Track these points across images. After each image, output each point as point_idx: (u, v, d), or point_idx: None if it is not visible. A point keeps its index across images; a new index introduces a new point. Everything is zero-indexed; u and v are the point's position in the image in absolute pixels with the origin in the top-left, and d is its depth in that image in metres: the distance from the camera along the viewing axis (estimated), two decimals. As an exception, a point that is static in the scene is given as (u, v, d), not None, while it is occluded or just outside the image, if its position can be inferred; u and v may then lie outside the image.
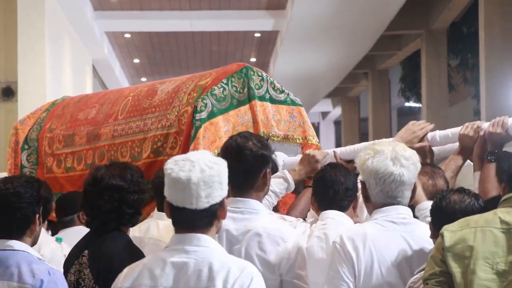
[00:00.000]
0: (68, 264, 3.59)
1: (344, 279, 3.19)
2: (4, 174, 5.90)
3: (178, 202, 2.89)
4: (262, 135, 4.99)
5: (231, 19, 16.57)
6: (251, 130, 5.02)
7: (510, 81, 12.86)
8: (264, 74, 5.31)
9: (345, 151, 4.81)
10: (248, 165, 3.47)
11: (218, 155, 3.67)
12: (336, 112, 31.66)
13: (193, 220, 2.90)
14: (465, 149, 4.18)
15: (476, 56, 14.63)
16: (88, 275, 3.45)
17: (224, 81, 5.11)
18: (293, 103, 5.35)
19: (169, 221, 4.25)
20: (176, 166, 2.90)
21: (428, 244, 3.27)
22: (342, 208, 4.01)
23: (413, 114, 23.74)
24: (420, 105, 19.64)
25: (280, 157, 4.98)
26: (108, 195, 3.47)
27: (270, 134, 5.11)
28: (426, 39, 17.59)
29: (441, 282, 2.88)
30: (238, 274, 2.80)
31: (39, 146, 6.11)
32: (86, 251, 3.52)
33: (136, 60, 20.73)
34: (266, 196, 3.99)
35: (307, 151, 4.67)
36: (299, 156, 5.04)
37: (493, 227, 2.89)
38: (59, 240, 5.01)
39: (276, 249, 3.36)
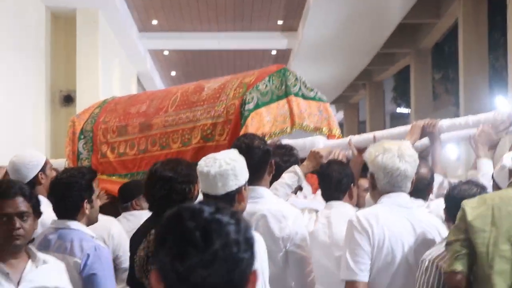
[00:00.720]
0: (135, 243, 3.51)
1: (363, 249, 3.12)
2: (64, 160, 6.16)
3: (203, 189, 3.07)
4: (297, 125, 5.06)
5: (252, 39, 16.50)
6: (288, 121, 5.05)
7: (483, 92, 12.89)
8: (298, 75, 5.28)
9: (381, 135, 4.68)
10: (258, 159, 3.48)
11: None
12: (339, 116, 31.25)
13: None
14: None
15: (456, 71, 14.62)
16: None
17: (266, 78, 5.06)
18: (321, 99, 5.34)
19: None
20: (204, 162, 3.05)
21: (425, 225, 3.26)
22: (340, 197, 3.94)
23: (403, 118, 23.48)
24: (409, 111, 19.47)
25: (320, 140, 4.92)
26: (160, 185, 3.39)
27: (303, 124, 5.10)
28: (414, 56, 17.55)
29: (465, 246, 2.86)
30: None
31: (94, 136, 6.04)
32: (153, 231, 3.38)
33: (173, 73, 20.53)
34: (281, 188, 4.01)
35: (313, 149, 4.49)
36: (339, 140, 5.00)
37: (507, 204, 2.87)
38: None
39: (279, 225, 3.38)
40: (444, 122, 4.41)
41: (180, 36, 16.33)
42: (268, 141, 4.58)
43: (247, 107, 4.86)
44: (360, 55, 17.11)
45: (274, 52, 17.89)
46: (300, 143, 4.79)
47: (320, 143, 4.86)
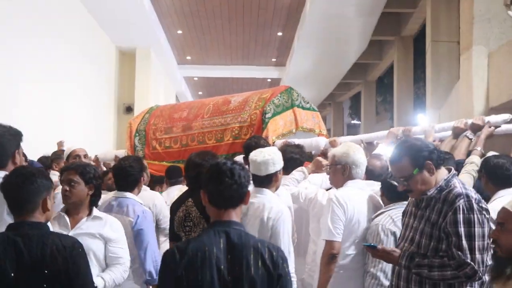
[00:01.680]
0: (176, 207, 3.32)
1: (340, 218, 2.97)
2: (124, 150, 6.02)
3: (252, 171, 2.92)
4: (299, 127, 4.87)
5: (254, 70, 16.54)
6: (294, 126, 4.86)
7: (410, 111, 12.87)
8: (299, 92, 5.07)
9: (367, 137, 4.32)
10: None
11: (244, 148, 3.65)
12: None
13: (260, 182, 2.94)
14: (456, 136, 3.75)
15: (392, 96, 14.63)
16: (195, 210, 3.21)
17: (279, 95, 4.88)
18: (314, 109, 5.15)
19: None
20: (254, 153, 2.98)
21: (377, 201, 3.11)
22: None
23: (356, 128, 23.18)
24: (360, 122, 19.38)
25: (321, 140, 4.60)
26: (192, 168, 3.26)
27: (303, 127, 4.92)
28: (364, 85, 17.51)
29: None
30: (277, 210, 2.82)
31: (146, 134, 5.80)
32: (190, 199, 3.27)
33: (200, 93, 20.57)
34: (292, 181, 3.65)
35: (318, 158, 3.97)
36: (346, 137, 4.60)
37: None
38: None
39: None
40: (417, 128, 4.06)
41: (205, 67, 16.43)
42: (284, 139, 4.59)
43: (267, 115, 4.72)
44: (327, 83, 17.13)
45: (269, 80, 17.95)
46: (308, 142, 4.56)
47: (322, 142, 4.56)
